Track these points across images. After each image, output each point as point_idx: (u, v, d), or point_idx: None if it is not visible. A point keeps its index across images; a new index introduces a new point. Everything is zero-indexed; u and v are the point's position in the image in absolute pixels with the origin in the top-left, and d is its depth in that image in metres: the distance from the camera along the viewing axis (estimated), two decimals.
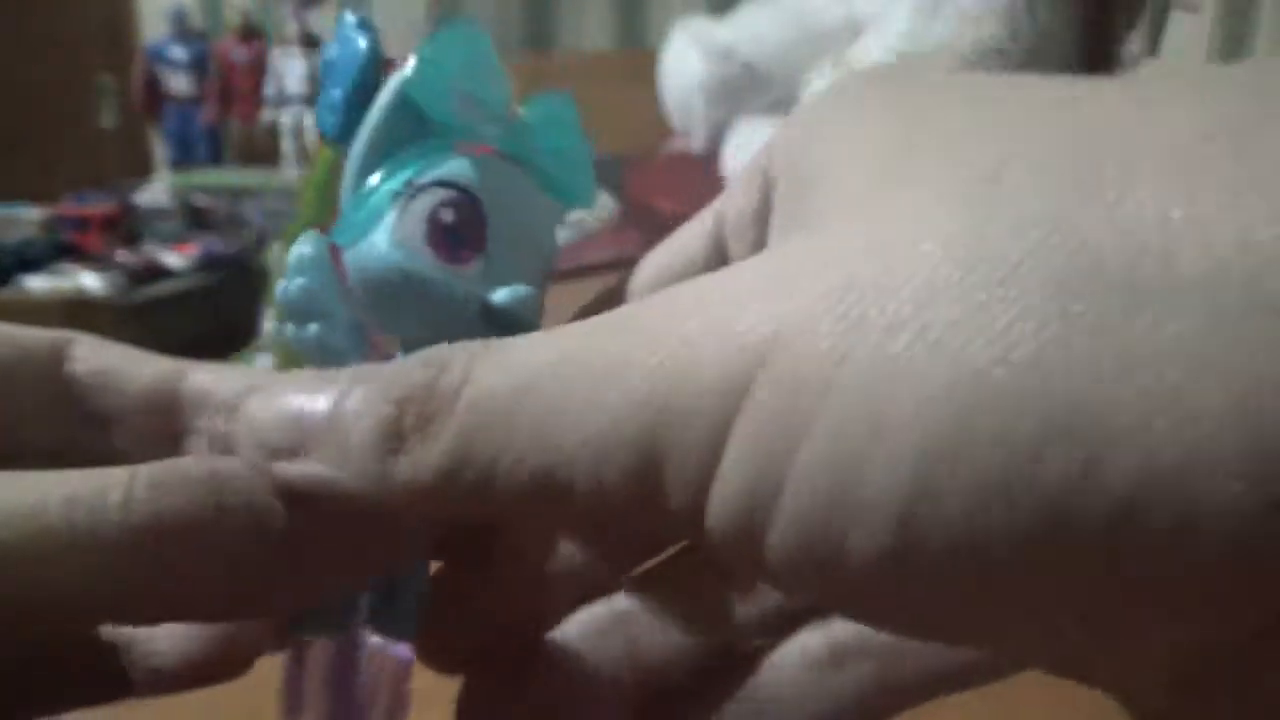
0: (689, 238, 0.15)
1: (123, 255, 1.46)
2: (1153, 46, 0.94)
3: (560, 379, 0.10)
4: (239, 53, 2.06)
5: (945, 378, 0.08)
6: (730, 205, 0.15)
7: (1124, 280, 0.08)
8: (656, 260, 0.16)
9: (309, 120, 2.04)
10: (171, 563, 0.12)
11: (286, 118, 2.05)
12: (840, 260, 0.09)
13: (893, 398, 0.08)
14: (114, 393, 0.15)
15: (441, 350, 0.12)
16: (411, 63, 0.14)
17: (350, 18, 0.16)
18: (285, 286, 0.15)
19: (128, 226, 1.63)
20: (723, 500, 0.09)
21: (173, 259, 1.51)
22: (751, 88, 1.17)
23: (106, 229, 1.56)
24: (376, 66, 0.15)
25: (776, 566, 0.09)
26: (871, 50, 0.96)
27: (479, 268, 0.14)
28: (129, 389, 0.15)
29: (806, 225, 0.12)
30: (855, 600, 0.10)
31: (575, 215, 0.19)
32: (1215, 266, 0.08)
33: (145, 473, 0.12)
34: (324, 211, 0.17)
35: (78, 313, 1.29)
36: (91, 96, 2.18)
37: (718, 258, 0.15)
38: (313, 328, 0.15)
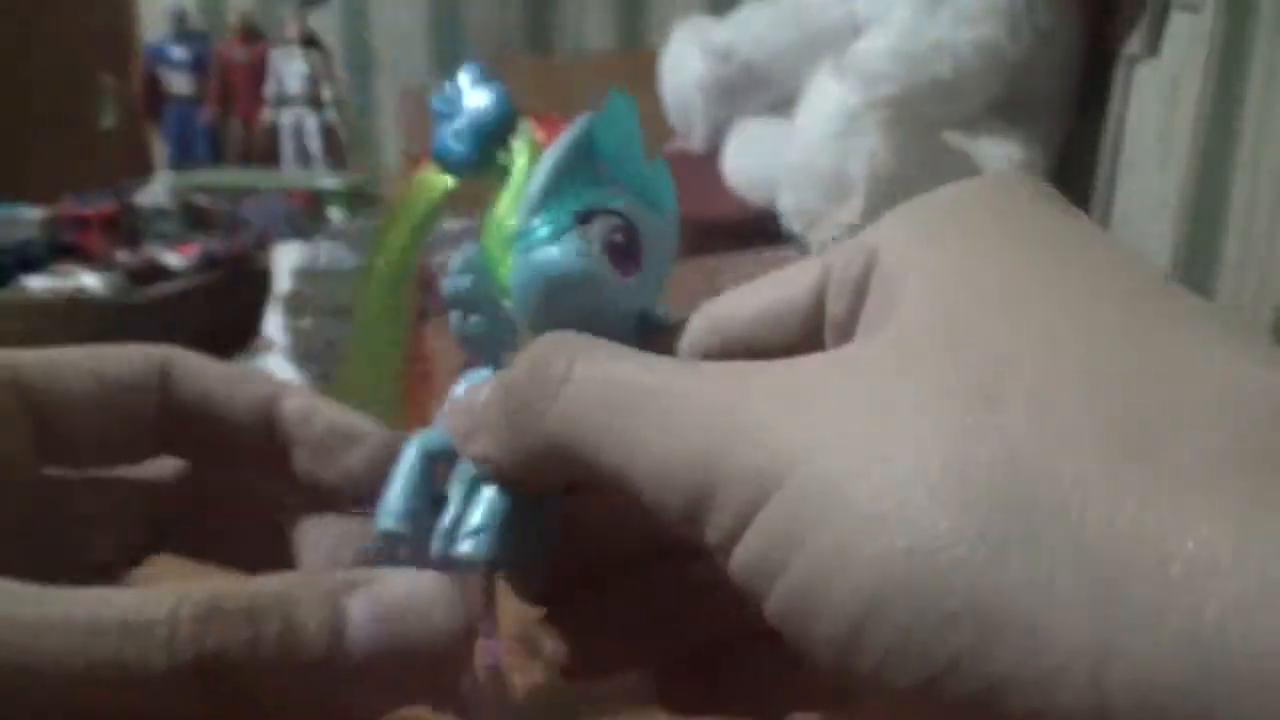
0: (796, 286, 0.17)
1: (123, 255, 1.46)
2: (1153, 46, 0.94)
3: (648, 412, 0.13)
4: (239, 53, 2.06)
5: (904, 545, 0.11)
6: (836, 266, 0.16)
7: (1040, 531, 0.10)
8: (763, 295, 0.18)
9: (309, 121, 2.04)
10: (216, 689, 0.12)
11: (286, 118, 2.05)
12: (864, 415, 0.12)
13: (864, 544, 0.11)
14: (215, 417, 0.17)
15: (542, 346, 0.15)
16: (587, 121, 0.19)
17: (468, 74, 0.20)
18: (454, 283, 0.19)
19: (128, 226, 1.63)
20: (742, 560, 0.12)
21: (173, 259, 1.51)
22: (751, 88, 1.17)
23: (106, 229, 1.56)
24: (511, 116, 0.20)
25: (772, 616, 0.12)
26: (872, 49, 0.96)
27: (636, 280, 0.18)
28: (233, 409, 0.18)
29: (873, 350, 0.14)
30: (824, 658, 0.12)
31: None
32: (1117, 545, 0.10)
33: (188, 608, 0.12)
34: (419, 237, 0.20)
35: (78, 313, 1.29)
36: (91, 96, 2.17)
37: (816, 312, 0.17)
38: (474, 319, 0.19)
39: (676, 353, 0.19)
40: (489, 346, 0.19)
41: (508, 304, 0.19)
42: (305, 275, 1.33)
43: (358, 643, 0.13)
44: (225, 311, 1.65)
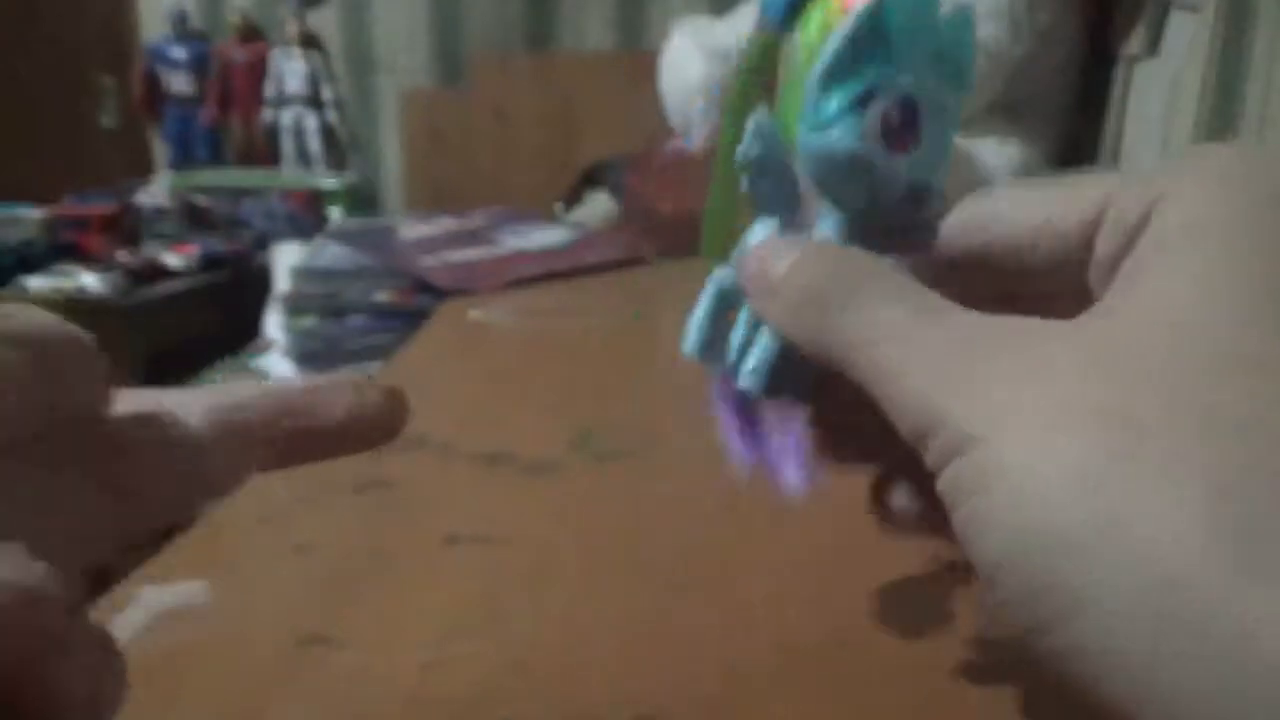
0: (1073, 213, 0.18)
1: (123, 255, 1.46)
2: (1153, 46, 0.94)
3: (894, 354, 0.16)
4: (239, 53, 2.06)
5: (1024, 525, 0.13)
6: (1115, 204, 0.17)
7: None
8: (1039, 210, 0.18)
9: (309, 121, 2.04)
10: None
11: (286, 118, 2.05)
12: (1045, 409, 0.14)
13: (1005, 518, 0.14)
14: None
15: (830, 264, 0.18)
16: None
17: None
18: (746, 149, 0.21)
19: (128, 226, 1.63)
20: (940, 486, 0.15)
21: (173, 259, 1.51)
22: None
23: (106, 229, 1.56)
24: None
25: (956, 533, 0.15)
26: None
27: (911, 156, 0.19)
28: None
29: (1085, 337, 0.15)
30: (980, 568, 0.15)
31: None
32: None
33: None
34: (755, 92, 0.22)
35: (78, 313, 1.29)
36: (91, 96, 2.17)
37: (1085, 246, 0.17)
38: (763, 183, 0.21)
39: (939, 231, 0.20)
40: (776, 203, 0.21)
41: (796, 166, 0.21)
42: (305, 275, 1.33)
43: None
44: (225, 311, 1.65)
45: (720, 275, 0.22)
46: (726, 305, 0.22)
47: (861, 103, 0.19)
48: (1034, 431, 0.14)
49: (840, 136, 0.19)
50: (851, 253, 0.18)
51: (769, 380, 0.20)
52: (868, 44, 0.19)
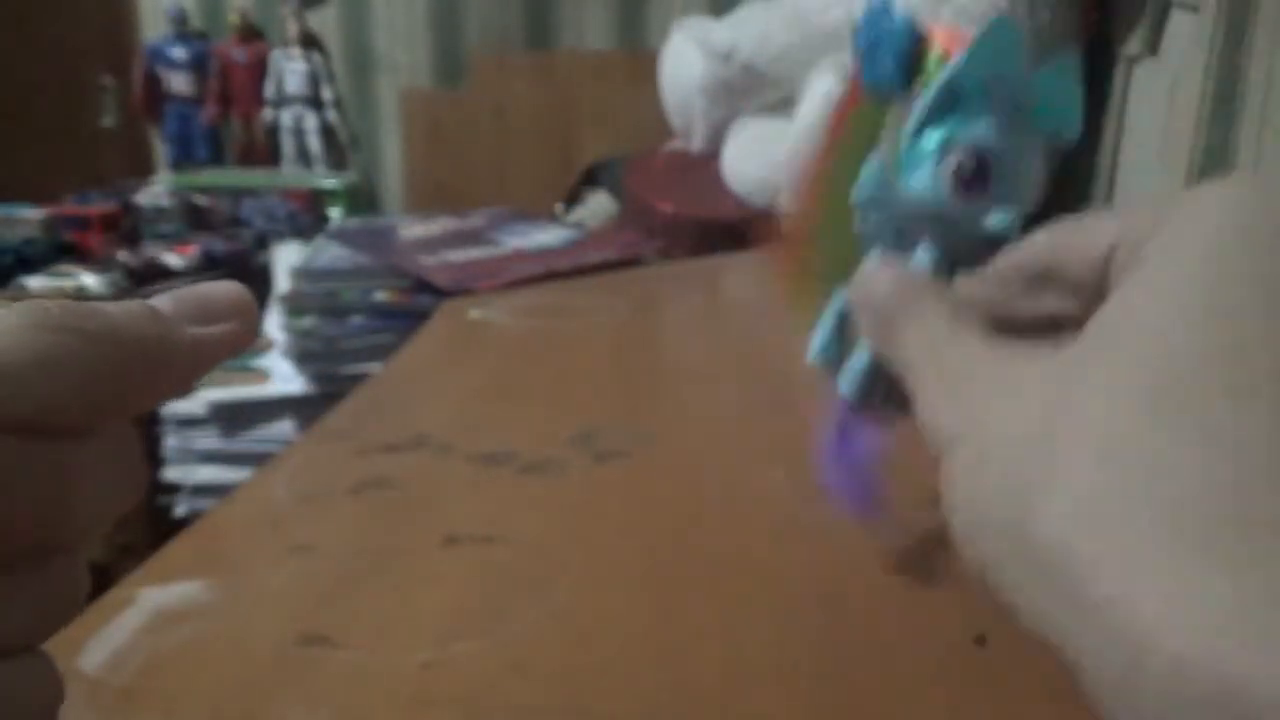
0: (1084, 251, 0.19)
1: (123, 255, 1.46)
2: (1153, 46, 0.94)
3: (930, 373, 0.19)
4: (239, 53, 2.05)
5: (974, 519, 0.16)
6: (1124, 236, 0.18)
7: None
8: (1058, 252, 0.20)
9: (309, 120, 2.04)
10: None
11: (286, 118, 2.05)
12: (1023, 406, 0.17)
13: (962, 509, 0.17)
14: None
15: (901, 289, 0.21)
16: (959, 58, 0.21)
17: (880, 11, 0.25)
18: (859, 190, 0.24)
19: (128, 226, 1.62)
20: (940, 481, 0.17)
21: (173, 259, 1.51)
22: (751, 88, 1.17)
23: (106, 229, 1.56)
24: (918, 41, 0.24)
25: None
26: None
27: (984, 203, 0.21)
28: None
29: (1054, 368, 0.17)
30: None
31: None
32: None
33: None
34: (866, 153, 0.24)
35: None
36: (91, 96, 2.17)
37: (1098, 284, 0.19)
38: (873, 218, 0.24)
39: (1009, 266, 0.22)
40: (884, 236, 0.24)
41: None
42: (305, 275, 1.33)
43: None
44: None
45: (841, 294, 0.26)
46: (846, 322, 0.26)
47: (941, 154, 0.22)
48: (991, 437, 0.17)
49: (919, 185, 0.22)
50: (909, 275, 0.21)
51: (862, 389, 0.23)
52: (948, 98, 0.21)
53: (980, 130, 0.21)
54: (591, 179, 1.49)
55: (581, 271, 0.97)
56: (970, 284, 0.21)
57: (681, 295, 0.87)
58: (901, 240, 0.23)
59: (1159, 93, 0.87)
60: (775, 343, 0.48)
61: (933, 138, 0.22)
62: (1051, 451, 0.15)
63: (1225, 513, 0.13)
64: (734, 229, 1.12)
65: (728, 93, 1.21)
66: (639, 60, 1.75)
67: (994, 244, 0.21)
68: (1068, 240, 0.20)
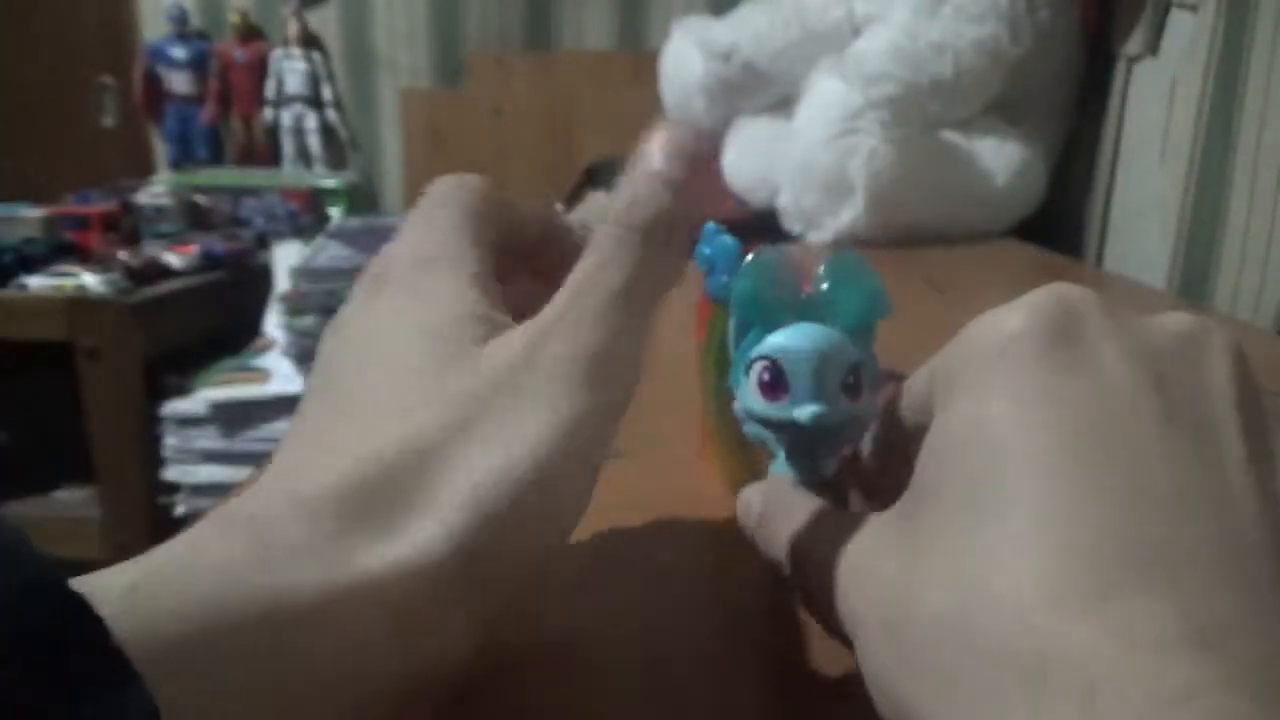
0: (916, 394, 0.22)
1: (123, 255, 1.46)
2: (1153, 46, 0.94)
3: (803, 557, 0.23)
4: (239, 53, 2.06)
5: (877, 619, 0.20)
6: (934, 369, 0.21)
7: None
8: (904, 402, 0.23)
9: (309, 120, 2.04)
10: None
11: (286, 117, 2.05)
12: (858, 548, 0.21)
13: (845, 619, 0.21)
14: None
15: (773, 495, 0.26)
16: (737, 286, 0.25)
17: (714, 232, 0.31)
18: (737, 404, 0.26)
19: (128, 226, 1.63)
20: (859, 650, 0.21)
21: (173, 258, 1.51)
22: (751, 88, 1.17)
23: (106, 229, 1.56)
24: (740, 257, 0.28)
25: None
26: (872, 49, 0.96)
27: (788, 401, 0.24)
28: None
29: (920, 517, 0.19)
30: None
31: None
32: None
33: None
34: (725, 355, 0.27)
35: (78, 312, 1.29)
36: (91, 96, 2.17)
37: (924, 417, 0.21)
38: (749, 425, 0.26)
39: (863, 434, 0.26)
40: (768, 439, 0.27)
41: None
42: (305, 274, 1.33)
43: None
44: (225, 311, 1.65)
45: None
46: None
47: (747, 369, 0.25)
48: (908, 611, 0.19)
49: (743, 395, 0.25)
50: (775, 485, 0.26)
51: (801, 477, 0.26)
52: (745, 321, 0.25)
53: (772, 343, 0.24)
54: (591, 179, 1.49)
55: None
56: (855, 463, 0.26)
57: (681, 295, 0.87)
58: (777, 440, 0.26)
59: (1159, 93, 0.87)
60: None
61: (741, 357, 0.25)
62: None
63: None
64: (734, 229, 1.11)
65: (728, 92, 1.21)
66: (639, 60, 1.75)
67: (823, 432, 0.25)
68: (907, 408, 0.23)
